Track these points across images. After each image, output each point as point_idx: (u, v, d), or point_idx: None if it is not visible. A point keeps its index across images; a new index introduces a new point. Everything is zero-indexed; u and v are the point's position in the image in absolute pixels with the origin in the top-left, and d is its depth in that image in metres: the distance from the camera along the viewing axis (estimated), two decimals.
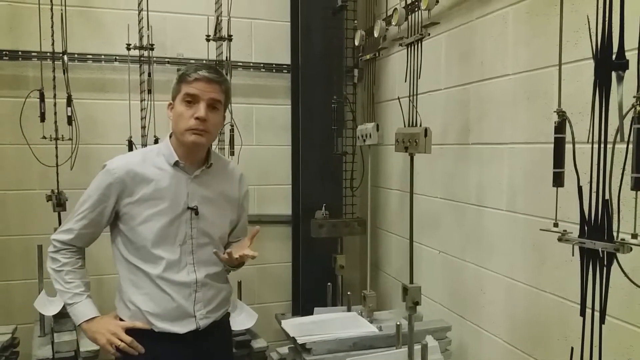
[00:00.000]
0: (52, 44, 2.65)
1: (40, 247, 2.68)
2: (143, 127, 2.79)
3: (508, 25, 2.09)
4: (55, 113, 2.67)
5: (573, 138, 1.33)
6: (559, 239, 1.36)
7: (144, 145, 2.76)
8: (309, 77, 3.16)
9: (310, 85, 3.15)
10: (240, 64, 3.19)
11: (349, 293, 2.67)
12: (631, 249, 1.21)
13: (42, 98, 2.66)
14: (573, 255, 1.32)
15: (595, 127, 1.25)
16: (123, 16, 2.89)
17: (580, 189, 1.31)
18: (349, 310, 2.60)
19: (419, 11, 2.05)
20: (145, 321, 1.75)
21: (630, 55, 1.19)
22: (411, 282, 2.05)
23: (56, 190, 2.68)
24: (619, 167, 1.22)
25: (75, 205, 1.81)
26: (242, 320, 2.78)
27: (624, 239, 1.22)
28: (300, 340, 2.16)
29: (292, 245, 3.36)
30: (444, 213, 2.56)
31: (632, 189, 1.16)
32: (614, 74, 1.22)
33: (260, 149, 3.31)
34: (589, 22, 1.25)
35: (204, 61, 3.00)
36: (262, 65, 3.27)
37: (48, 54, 2.69)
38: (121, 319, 1.79)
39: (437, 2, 2.08)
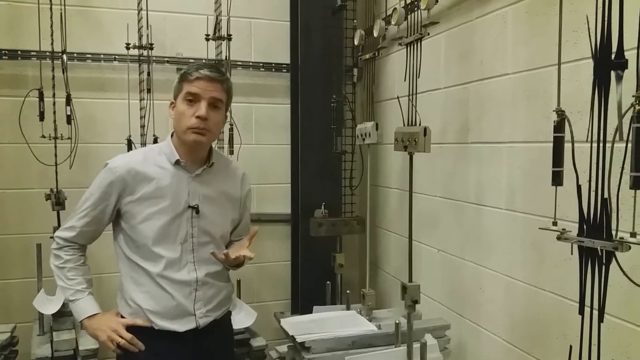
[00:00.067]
0: (52, 44, 2.65)
1: (40, 245, 2.68)
2: (142, 127, 2.79)
3: (507, 24, 2.09)
4: (54, 112, 2.68)
5: (572, 137, 1.34)
6: (558, 238, 1.36)
7: (143, 144, 2.76)
8: (308, 76, 3.16)
9: (309, 85, 3.15)
10: (240, 63, 3.19)
11: (348, 292, 2.68)
12: (630, 248, 1.21)
13: (41, 97, 2.66)
14: (572, 253, 1.32)
15: (595, 126, 1.26)
16: (122, 16, 2.89)
17: (579, 187, 1.31)
18: (348, 308, 2.60)
19: (419, 11, 2.06)
20: (145, 319, 1.76)
21: (629, 55, 1.20)
22: (410, 280, 2.06)
23: (55, 189, 2.68)
24: (618, 166, 1.22)
25: (77, 204, 1.82)
26: (241, 318, 2.78)
27: (622, 238, 1.22)
28: (299, 339, 2.16)
29: (292, 244, 3.36)
30: (443, 212, 2.57)
31: (631, 188, 1.17)
32: (613, 74, 1.22)
33: (260, 148, 3.31)
34: (588, 21, 1.26)
35: (204, 60, 3.00)
36: (261, 64, 3.27)
37: (47, 54, 2.69)
38: (122, 316, 1.80)
39: (437, 1, 2.09)
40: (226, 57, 2.95)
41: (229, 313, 1.99)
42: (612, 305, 1.46)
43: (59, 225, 2.63)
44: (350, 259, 3.21)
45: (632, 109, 1.15)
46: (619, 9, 1.21)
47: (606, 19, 1.22)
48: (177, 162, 1.77)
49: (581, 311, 1.31)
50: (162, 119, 2.96)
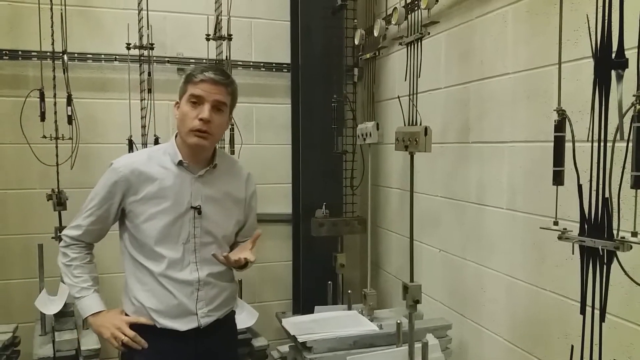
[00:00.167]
0: (52, 44, 2.65)
1: (41, 246, 2.68)
2: (143, 127, 2.79)
3: (508, 24, 2.09)
4: (55, 112, 2.68)
5: (573, 136, 1.33)
6: (559, 237, 1.36)
7: (144, 144, 2.77)
8: (309, 76, 3.16)
9: (310, 85, 3.15)
10: (240, 63, 3.19)
11: (349, 291, 2.68)
12: (631, 247, 1.21)
13: (42, 97, 2.67)
14: (573, 253, 1.32)
15: (595, 126, 1.26)
16: (123, 16, 2.90)
17: (580, 187, 1.31)
18: (349, 308, 2.60)
19: (419, 10, 2.05)
20: (148, 317, 1.78)
21: (630, 54, 1.20)
22: (411, 280, 2.06)
23: (56, 190, 2.68)
24: (618, 166, 1.22)
25: (82, 203, 1.84)
26: (242, 319, 2.79)
27: (623, 237, 1.22)
28: (300, 339, 2.16)
29: (293, 244, 3.36)
30: (444, 212, 2.57)
31: (631, 187, 1.16)
32: (613, 73, 1.22)
33: (261, 148, 3.31)
34: (588, 21, 1.26)
35: (204, 60, 3.01)
36: (262, 64, 3.27)
37: (48, 54, 2.69)
38: (126, 314, 1.82)
39: (437, 1, 2.08)
40: (227, 57, 2.95)
41: (232, 312, 1.99)
42: (613, 305, 1.45)
43: (61, 225, 2.64)
44: (352, 258, 3.21)
45: (632, 108, 1.15)
46: (619, 8, 1.21)
47: (606, 18, 1.22)
48: (180, 163, 1.77)
49: (582, 311, 1.31)
50: (163, 119, 2.97)
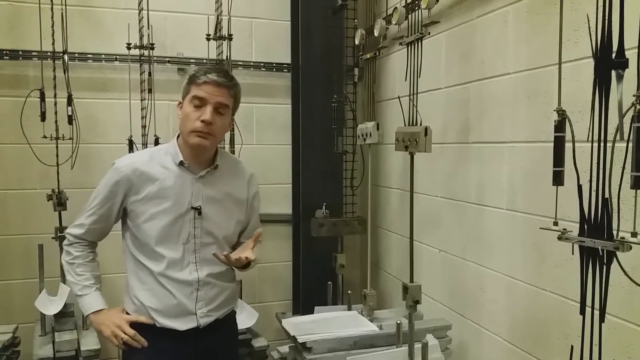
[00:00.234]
0: (53, 44, 2.65)
1: (41, 246, 2.68)
2: (143, 127, 2.79)
3: (508, 24, 2.09)
4: (55, 112, 2.68)
5: (573, 137, 1.33)
6: (559, 238, 1.36)
7: (145, 144, 2.77)
8: (309, 76, 3.16)
9: (310, 85, 3.15)
10: (241, 63, 3.19)
11: (349, 292, 2.67)
12: (631, 248, 1.21)
13: (42, 97, 2.67)
14: (573, 253, 1.32)
15: (595, 126, 1.25)
16: (123, 15, 2.90)
17: (580, 187, 1.31)
18: (349, 309, 2.60)
19: (419, 10, 2.05)
20: (148, 316, 1.79)
21: (630, 54, 1.19)
22: (411, 280, 2.05)
23: (57, 190, 2.68)
24: (618, 166, 1.22)
25: (85, 202, 1.86)
26: (242, 319, 2.78)
27: (623, 238, 1.22)
28: (300, 339, 2.16)
29: (293, 244, 3.36)
30: (444, 212, 2.56)
31: (631, 188, 1.16)
32: (613, 73, 1.22)
33: (261, 148, 3.31)
34: (588, 21, 1.26)
35: (204, 60, 3.01)
36: (262, 64, 3.27)
37: (48, 54, 2.69)
38: (127, 313, 1.83)
39: (437, 1, 2.08)
40: (227, 57, 2.95)
41: (233, 312, 2.00)
42: (613, 306, 1.45)
43: (61, 225, 2.64)
44: (352, 259, 3.21)
45: (632, 108, 1.15)
46: (619, 8, 1.20)
47: (607, 18, 1.22)
48: (181, 163, 1.78)
49: (582, 311, 1.31)
50: (163, 119, 2.97)
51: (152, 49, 2.78)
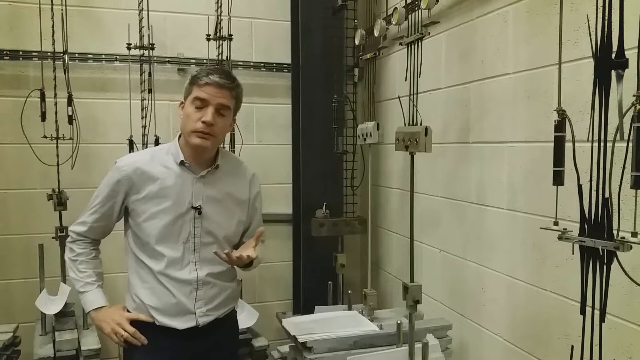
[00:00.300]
0: (53, 44, 2.65)
1: (42, 246, 2.68)
2: (143, 127, 2.80)
3: (508, 24, 2.09)
4: (56, 112, 2.68)
5: (573, 137, 1.33)
6: (559, 238, 1.36)
7: (145, 144, 2.77)
8: (309, 76, 3.16)
9: (310, 85, 3.15)
10: (241, 63, 3.19)
11: (349, 292, 2.68)
12: (631, 247, 1.21)
13: (42, 97, 2.67)
14: (573, 253, 1.32)
15: (595, 126, 1.26)
16: (123, 16, 2.90)
17: (580, 187, 1.31)
18: (349, 308, 2.60)
19: (419, 10, 2.05)
20: (148, 314, 1.80)
21: (630, 54, 1.20)
22: (412, 280, 2.06)
23: (57, 190, 2.68)
24: (619, 166, 1.22)
25: (83, 202, 1.88)
26: (243, 319, 2.78)
27: (624, 237, 1.22)
28: (301, 339, 2.16)
29: (293, 244, 3.36)
30: (445, 212, 2.57)
31: (632, 188, 1.16)
32: (613, 73, 1.22)
33: (261, 148, 3.31)
34: (588, 21, 1.26)
35: (205, 60, 3.01)
36: (262, 64, 3.27)
37: (49, 54, 2.69)
38: (128, 311, 1.84)
39: (437, 1, 2.08)
40: (227, 57, 2.95)
41: (234, 312, 2.00)
42: (613, 305, 1.45)
43: (61, 225, 2.65)
44: (352, 259, 3.21)
45: (632, 108, 1.15)
46: (619, 8, 1.21)
47: (606, 18, 1.22)
48: (182, 163, 1.79)
49: (583, 311, 1.31)
50: (163, 119, 2.98)
51: (152, 49, 2.78)
